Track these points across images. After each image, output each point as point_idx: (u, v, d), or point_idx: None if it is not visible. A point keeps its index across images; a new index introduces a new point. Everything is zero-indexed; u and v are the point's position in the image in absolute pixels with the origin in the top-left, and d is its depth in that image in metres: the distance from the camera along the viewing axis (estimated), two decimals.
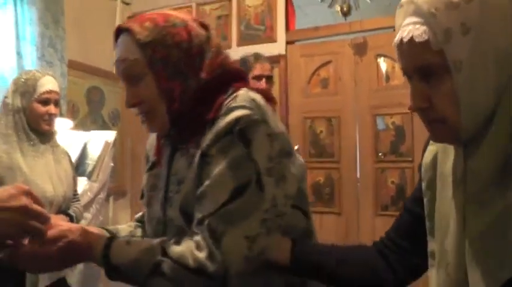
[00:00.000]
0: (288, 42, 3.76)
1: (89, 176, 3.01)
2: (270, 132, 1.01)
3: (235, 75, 1.13)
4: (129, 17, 4.29)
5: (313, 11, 3.85)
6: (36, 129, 2.07)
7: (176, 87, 1.05)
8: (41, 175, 2.03)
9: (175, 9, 4.15)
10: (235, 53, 3.55)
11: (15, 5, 3.49)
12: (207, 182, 0.99)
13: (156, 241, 1.00)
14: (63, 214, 2.10)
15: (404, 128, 3.37)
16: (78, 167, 2.95)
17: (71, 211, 2.18)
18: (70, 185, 2.21)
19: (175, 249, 0.96)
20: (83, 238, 0.99)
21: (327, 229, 3.40)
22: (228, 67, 1.12)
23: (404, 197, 3.30)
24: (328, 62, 3.62)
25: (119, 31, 1.09)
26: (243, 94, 1.05)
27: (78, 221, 2.22)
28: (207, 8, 4.06)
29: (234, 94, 1.05)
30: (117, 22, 4.27)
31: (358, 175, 3.51)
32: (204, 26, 1.13)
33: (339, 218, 3.51)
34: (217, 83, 1.08)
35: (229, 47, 3.92)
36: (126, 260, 0.97)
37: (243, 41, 3.89)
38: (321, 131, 3.63)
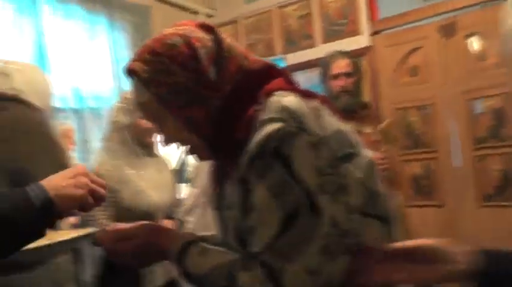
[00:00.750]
0: (372, 33, 3.70)
1: (190, 182, 3.18)
2: (312, 141, 0.86)
3: (260, 77, 0.96)
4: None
5: None
6: (142, 143, 2.24)
7: (196, 113, 0.94)
8: (148, 185, 2.19)
9: (256, 16, 4.26)
10: (321, 50, 3.58)
11: (109, 32, 3.85)
12: (252, 215, 0.88)
13: (226, 261, 0.91)
14: (169, 219, 2.26)
15: (504, 110, 3.16)
16: (179, 174, 3.14)
17: (175, 216, 2.34)
18: (172, 192, 2.37)
19: (244, 278, 0.86)
20: (158, 238, 0.99)
21: (428, 223, 3.28)
22: (247, 69, 0.96)
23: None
24: (415, 49, 3.50)
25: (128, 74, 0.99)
26: (274, 102, 0.90)
27: (182, 225, 2.38)
28: (288, 9, 4.11)
29: (264, 103, 0.91)
30: None
31: (457, 164, 3.35)
32: (209, 29, 0.98)
33: (439, 211, 3.38)
34: (239, 93, 0.94)
35: (314, 45, 3.95)
36: (197, 272, 0.93)
37: (327, 38, 3.88)
38: (414, 121, 3.51)
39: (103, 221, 2.06)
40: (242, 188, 0.91)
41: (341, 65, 2.54)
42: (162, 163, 2.41)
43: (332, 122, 0.92)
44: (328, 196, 0.85)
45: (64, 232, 1.42)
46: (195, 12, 4.45)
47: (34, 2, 3.44)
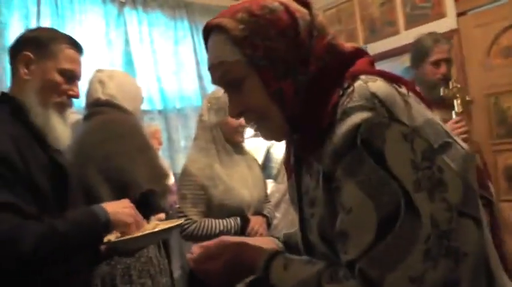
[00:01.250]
0: (459, 14, 3.48)
1: (275, 178, 3.20)
2: (406, 132, 0.77)
3: (349, 59, 0.89)
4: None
5: None
6: (231, 141, 2.29)
7: (287, 87, 0.86)
8: (238, 182, 2.24)
9: (337, 6, 4.19)
10: (405, 37, 3.46)
11: (192, 35, 3.99)
12: (344, 217, 0.80)
13: (313, 273, 0.85)
14: (259, 215, 2.30)
15: None
16: (264, 170, 3.18)
17: (265, 212, 2.37)
18: (262, 189, 2.41)
19: None
20: (244, 254, 0.97)
21: None
22: (337, 49, 0.89)
23: None
24: (507, 28, 3.20)
25: (208, 30, 0.92)
26: (360, 87, 0.81)
27: (271, 221, 2.41)
28: None
29: (350, 88, 0.82)
30: None
31: None
32: (305, 3, 0.91)
33: None
34: (326, 75, 0.86)
35: (398, 32, 3.79)
36: None
37: (411, 23, 3.70)
38: (509, 107, 3.23)
39: (193, 218, 2.14)
40: (328, 185, 0.83)
41: (444, 50, 2.33)
42: (252, 159, 2.46)
43: (421, 111, 0.83)
44: (426, 193, 0.76)
45: (153, 224, 1.50)
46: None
47: (120, 14, 3.66)
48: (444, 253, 0.76)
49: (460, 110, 2.20)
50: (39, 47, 1.40)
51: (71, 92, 1.43)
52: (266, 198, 2.48)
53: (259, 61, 0.85)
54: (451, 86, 2.21)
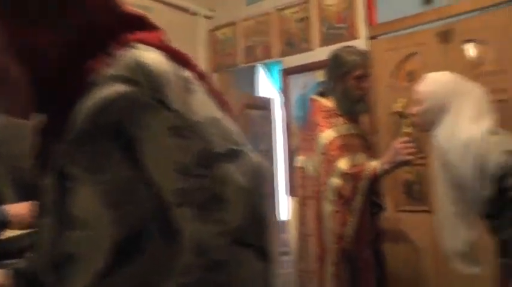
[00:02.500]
0: (370, 38, 3.69)
1: None
2: (177, 124, 0.58)
3: (128, 24, 0.67)
4: (211, 30, 4.51)
5: (397, 0, 3.75)
6: None
7: (41, 38, 0.61)
8: None
9: (255, 18, 4.28)
10: (320, 53, 3.59)
11: None
12: (71, 233, 0.56)
13: None
14: None
15: (501, 117, 3.16)
16: None
17: None
18: None
19: None
20: None
21: (420, 227, 3.29)
22: (115, 8, 0.67)
23: None
24: (413, 54, 3.49)
25: None
26: (129, 55, 0.61)
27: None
28: (287, 12, 4.10)
29: (116, 55, 0.62)
30: (201, 36, 4.48)
31: None
32: None
33: (430, 216, 3.37)
34: (93, 33, 0.63)
35: (312, 49, 3.94)
36: None
37: (326, 41, 3.87)
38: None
39: None
40: (61, 184, 0.58)
41: (367, 66, 2.42)
42: None
43: (208, 106, 0.65)
44: (195, 209, 0.56)
45: None
46: (194, 14, 4.45)
47: None
48: None
49: (409, 130, 2.22)
50: None
51: None
52: None
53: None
54: (401, 105, 2.30)
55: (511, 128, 2.93)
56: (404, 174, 3.45)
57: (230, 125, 0.66)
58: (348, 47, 2.52)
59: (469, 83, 2.02)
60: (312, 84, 3.83)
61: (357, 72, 2.32)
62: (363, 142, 2.46)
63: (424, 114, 1.97)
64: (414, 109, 2.03)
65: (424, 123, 2.00)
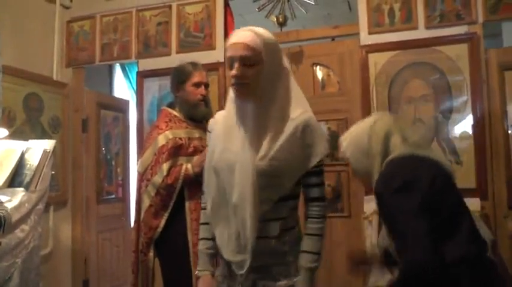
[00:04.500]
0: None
1: (27, 187, 2.98)
2: None
3: None
4: (69, 21, 4.26)
5: (253, 19, 3.92)
6: None
7: None
8: None
9: (115, 15, 4.16)
10: (177, 59, 3.58)
11: None
12: None
13: None
14: None
15: (339, 134, 3.51)
16: (15, 178, 2.93)
17: None
18: None
19: None
20: None
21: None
22: None
23: (340, 199, 3.52)
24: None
25: None
26: None
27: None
28: (147, 14, 4.03)
29: None
30: (56, 26, 4.22)
31: None
32: None
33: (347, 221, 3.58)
34: None
35: (169, 54, 3.94)
36: None
37: (183, 48, 3.89)
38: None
39: None
40: None
41: (203, 75, 2.66)
42: None
43: None
44: None
45: None
46: (50, 1, 4.16)
47: None
48: None
49: None
50: None
51: None
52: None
53: None
54: None
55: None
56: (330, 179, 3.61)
57: None
58: (190, 61, 2.75)
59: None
60: (167, 90, 3.84)
61: (194, 80, 2.61)
62: (204, 144, 2.62)
63: None
64: None
65: None
